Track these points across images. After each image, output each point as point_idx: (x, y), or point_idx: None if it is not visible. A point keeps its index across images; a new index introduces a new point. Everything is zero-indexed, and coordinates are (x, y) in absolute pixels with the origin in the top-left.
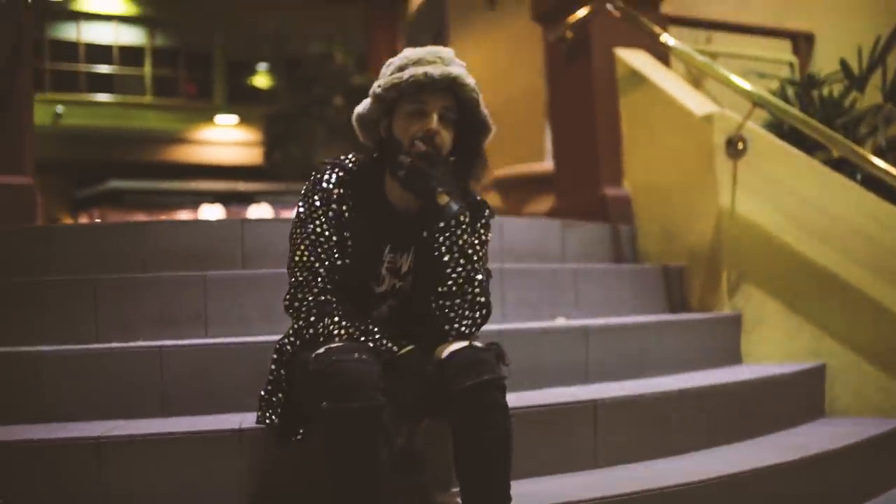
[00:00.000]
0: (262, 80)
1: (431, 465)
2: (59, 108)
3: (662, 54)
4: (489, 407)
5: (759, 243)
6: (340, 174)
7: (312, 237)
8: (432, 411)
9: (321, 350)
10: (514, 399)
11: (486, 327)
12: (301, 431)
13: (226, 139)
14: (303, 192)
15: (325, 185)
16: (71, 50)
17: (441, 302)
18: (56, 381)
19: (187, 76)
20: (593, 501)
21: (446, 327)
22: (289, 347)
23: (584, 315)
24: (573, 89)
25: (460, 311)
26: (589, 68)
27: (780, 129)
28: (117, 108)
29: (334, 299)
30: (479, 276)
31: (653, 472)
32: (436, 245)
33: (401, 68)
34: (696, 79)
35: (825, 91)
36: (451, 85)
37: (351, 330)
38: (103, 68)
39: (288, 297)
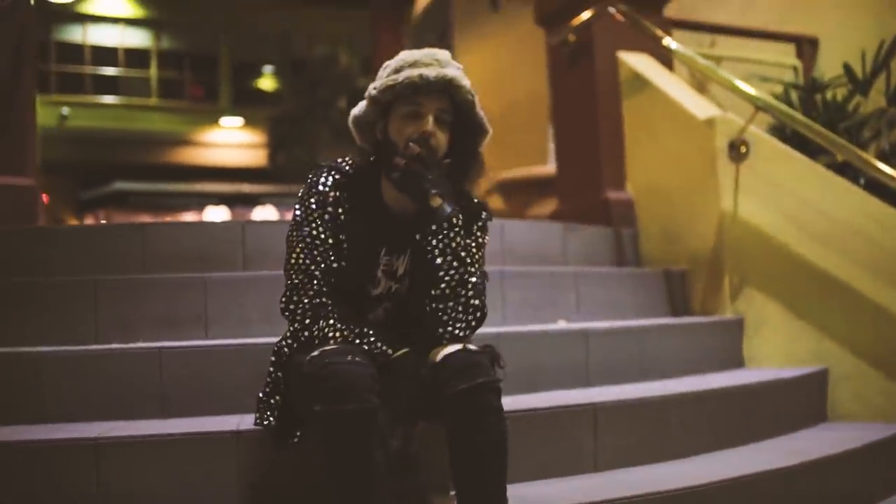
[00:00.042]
0: (267, 82)
1: (429, 468)
2: (65, 110)
3: (666, 58)
4: (483, 410)
5: (762, 247)
6: (336, 177)
7: (308, 240)
8: (427, 414)
9: (315, 352)
10: (513, 402)
11: (485, 329)
12: (298, 434)
13: (231, 141)
14: (299, 194)
15: (320, 187)
16: (77, 52)
17: (434, 305)
18: (55, 382)
19: (193, 78)
20: None
21: (440, 330)
22: (286, 350)
23: (585, 318)
24: (576, 92)
25: (453, 314)
26: (592, 71)
27: (783, 132)
28: (123, 110)
29: (330, 302)
30: (474, 279)
31: (653, 476)
32: (429, 248)
33: (397, 70)
34: (700, 83)
35: (829, 95)
36: (446, 87)
37: (346, 332)
38: (109, 70)
39: (284, 299)
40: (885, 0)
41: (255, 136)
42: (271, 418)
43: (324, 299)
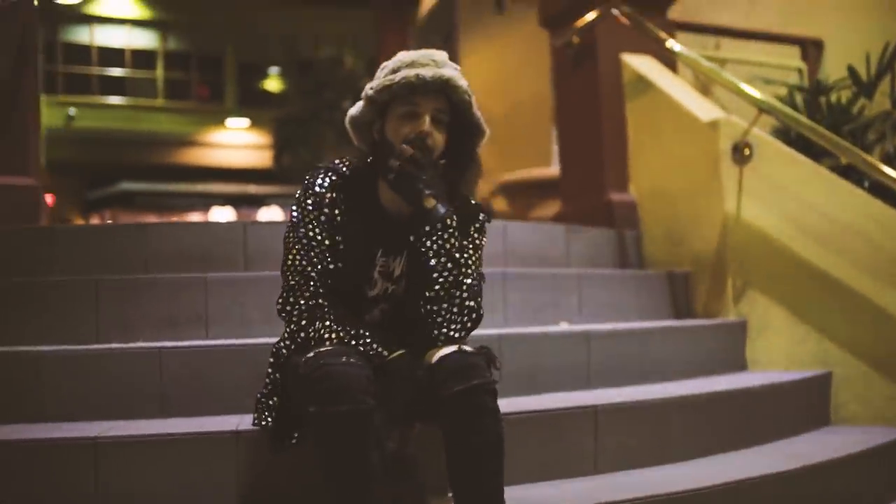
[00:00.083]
0: (273, 83)
1: (427, 470)
2: (72, 111)
3: (670, 60)
4: (479, 411)
5: (765, 249)
6: (333, 178)
7: (304, 241)
8: (423, 416)
9: (311, 354)
10: (514, 403)
11: (487, 331)
12: (296, 436)
13: (237, 142)
14: (296, 196)
15: (317, 188)
16: (84, 53)
17: (429, 307)
18: (55, 381)
19: (199, 79)
20: None
21: (435, 332)
22: (284, 351)
23: (587, 320)
24: (579, 94)
25: (448, 316)
26: (595, 73)
27: (787, 135)
28: (129, 110)
29: (326, 303)
30: (469, 281)
31: (654, 479)
32: (423, 249)
33: (394, 71)
34: (705, 85)
35: (833, 97)
36: (443, 87)
37: (342, 334)
38: (116, 71)
39: (281, 300)
40: (889, 3)
41: (260, 137)
42: (269, 419)
43: (320, 300)
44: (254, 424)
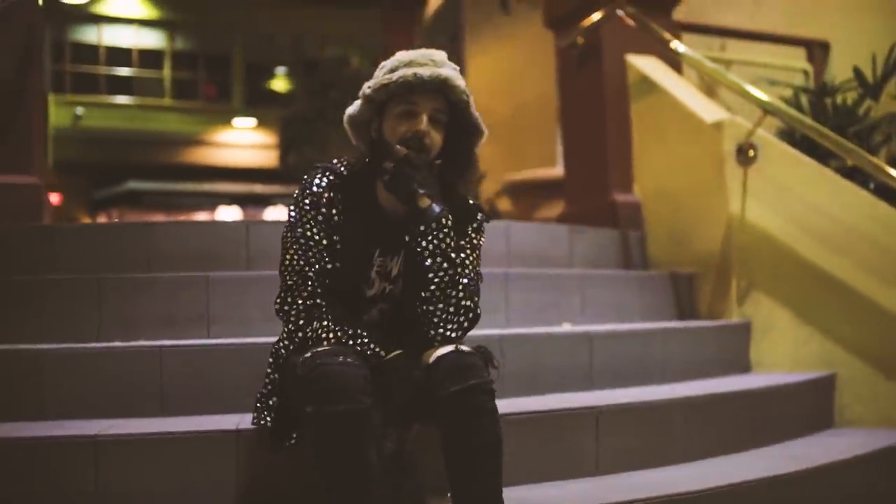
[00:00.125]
0: (280, 83)
1: (426, 470)
2: (80, 110)
3: (675, 61)
4: (477, 411)
5: (770, 251)
6: (331, 178)
7: (302, 241)
8: (421, 416)
9: (308, 354)
10: (516, 404)
11: (489, 331)
12: (294, 436)
13: (244, 142)
14: (294, 195)
15: (314, 188)
16: (91, 52)
17: (425, 307)
18: (56, 380)
19: (206, 79)
20: None
21: (432, 332)
22: (283, 351)
23: (589, 321)
24: (584, 95)
25: (444, 316)
26: (600, 74)
27: (792, 136)
28: (137, 110)
29: (324, 303)
30: (465, 280)
31: (655, 480)
32: (419, 249)
33: (392, 70)
34: (710, 87)
35: (839, 99)
36: (441, 86)
37: (339, 334)
38: (123, 71)
39: (279, 300)
40: None
41: (267, 137)
42: (268, 419)
43: (318, 300)
44: (253, 424)
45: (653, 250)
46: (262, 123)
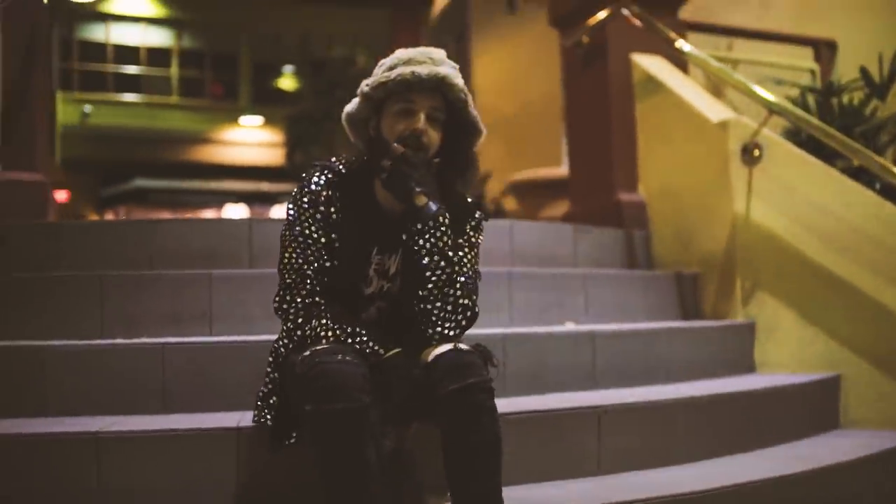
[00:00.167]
0: (287, 82)
1: (425, 469)
2: (87, 108)
3: (681, 61)
4: (476, 410)
5: (774, 251)
6: (329, 176)
7: (300, 239)
8: (420, 414)
9: (307, 352)
10: (518, 403)
11: (491, 330)
12: (294, 435)
13: (250, 140)
14: (293, 194)
15: (313, 186)
16: (99, 50)
17: (423, 305)
18: (58, 377)
19: (213, 77)
20: None
21: (430, 331)
22: (282, 350)
23: (593, 320)
24: (589, 94)
25: (442, 314)
26: (605, 73)
27: (798, 136)
28: (144, 108)
29: (322, 301)
30: (462, 279)
31: (657, 480)
32: (416, 248)
33: (391, 68)
34: (717, 86)
35: (845, 99)
36: (439, 85)
37: (338, 332)
38: (131, 69)
39: (277, 298)
40: None
41: (274, 135)
42: (268, 418)
43: (317, 299)
44: (254, 421)
45: (657, 250)
46: (269, 122)
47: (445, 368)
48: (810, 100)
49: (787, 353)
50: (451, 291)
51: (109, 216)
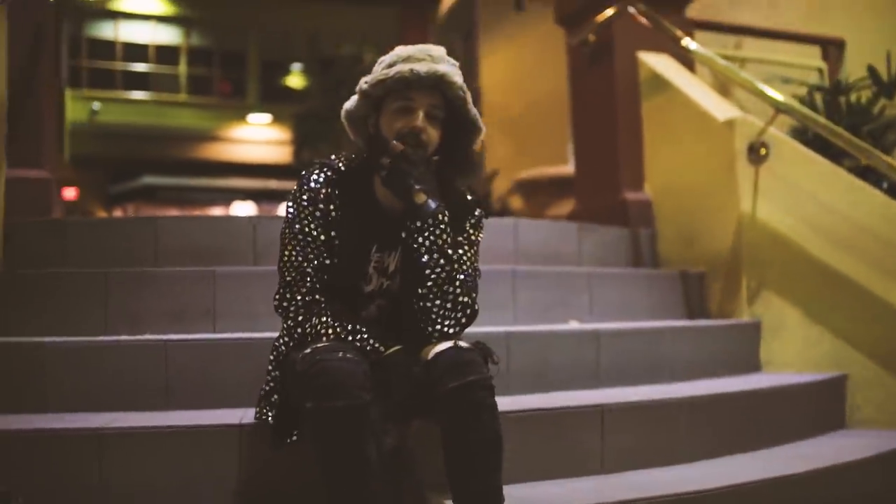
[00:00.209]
0: (295, 79)
1: (427, 466)
2: (96, 105)
3: (687, 59)
4: (476, 407)
5: (781, 250)
6: (328, 173)
7: (300, 237)
8: (421, 412)
9: (307, 350)
10: (521, 402)
11: (495, 328)
12: (296, 433)
13: (258, 138)
14: (292, 192)
15: (312, 184)
16: (108, 48)
17: (422, 303)
18: (60, 373)
19: (221, 75)
20: None
21: (429, 329)
22: (283, 348)
23: (597, 319)
24: (595, 92)
25: (442, 312)
26: (611, 72)
27: (805, 135)
28: (152, 105)
29: (322, 299)
30: (462, 276)
31: (660, 479)
32: (415, 245)
33: (390, 65)
34: (724, 85)
35: (853, 97)
36: (437, 83)
37: (338, 329)
38: (139, 66)
39: (277, 296)
40: None
41: (282, 133)
42: (270, 415)
43: (317, 296)
44: (255, 418)
45: (663, 249)
46: (277, 119)
47: (445, 366)
48: (818, 98)
49: (793, 353)
50: (451, 289)
51: (118, 213)
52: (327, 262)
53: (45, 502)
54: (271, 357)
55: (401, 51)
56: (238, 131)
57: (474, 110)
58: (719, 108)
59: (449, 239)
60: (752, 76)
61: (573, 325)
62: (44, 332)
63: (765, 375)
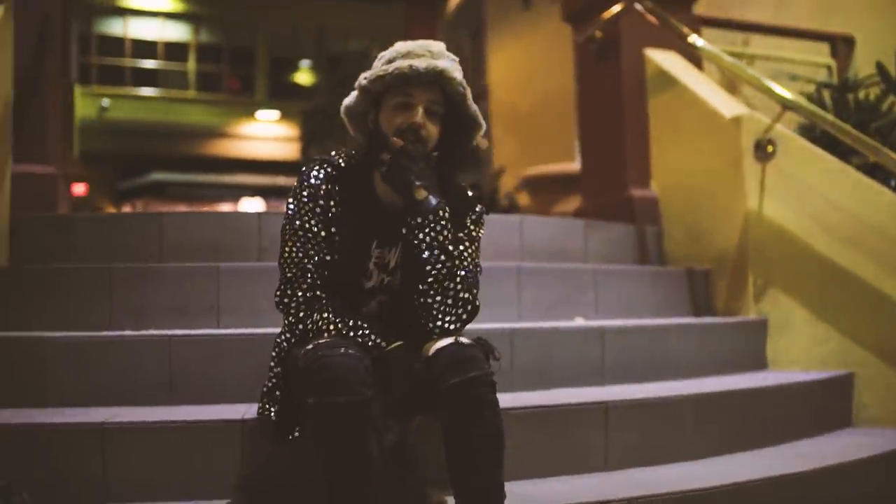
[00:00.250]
0: (304, 76)
1: (427, 462)
2: (105, 102)
3: (694, 56)
4: (477, 404)
5: (787, 248)
6: (328, 170)
7: (300, 233)
8: (422, 408)
9: (309, 346)
10: (525, 398)
11: (500, 325)
12: (298, 429)
13: (267, 134)
14: (293, 188)
15: (312, 181)
16: (117, 45)
17: (423, 299)
18: (64, 368)
19: (230, 72)
20: None
21: (430, 325)
22: (285, 344)
23: (603, 316)
24: (602, 89)
25: (442, 308)
26: (618, 69)
27: (813, 132)
28: (161, 102)
29: (323, 295)
30: (462, 272)
31: (665, 477)
32: (416, 241)
33: (389, 61)
34: (732, 82)
35: (861, 95)
36: (437, 78)
37: (340, 325)
38: (148, 63)
39: (278, 293)
40: None
41: (290, 130)
42: (272, 411)
43: (318, 293)
44: (258, 414)
45: (669, 246)
46: (286, 116)
47: (446, 362)
48: (826, 96)
49: (800, 351)
50: (452, 285)
51: (126, 209)
52: (328, 258)
53: (47, 497)
54: (273, 353)
55: (400, 46)
56: (246, 128)
57: (474, 106)
58: (726, 105)
59: (449, 235)
60: (759, 73)
61: (578, 321)
62: (48, 326)
63: (771, 373)
